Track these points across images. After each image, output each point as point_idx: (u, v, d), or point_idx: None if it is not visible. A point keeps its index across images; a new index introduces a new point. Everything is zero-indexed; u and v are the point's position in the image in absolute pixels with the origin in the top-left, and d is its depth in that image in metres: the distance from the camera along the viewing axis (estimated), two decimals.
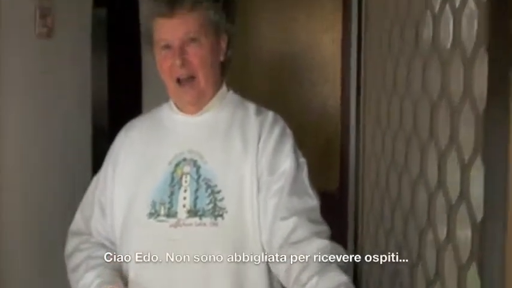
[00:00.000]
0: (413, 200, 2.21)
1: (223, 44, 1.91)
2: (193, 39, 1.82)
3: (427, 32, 2.09)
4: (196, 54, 1.82)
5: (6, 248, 2.10)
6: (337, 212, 3.70)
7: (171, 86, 1.88)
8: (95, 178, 2.08)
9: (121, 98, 5.11)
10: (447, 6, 1.92)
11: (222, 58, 1.92)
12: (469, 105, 1.75)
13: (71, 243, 2.03)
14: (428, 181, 2.07)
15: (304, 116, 4.02)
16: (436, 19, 2.02)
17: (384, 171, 2.71)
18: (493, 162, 1.55)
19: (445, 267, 1.93)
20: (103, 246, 1.98)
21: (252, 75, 4.11)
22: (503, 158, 1.47)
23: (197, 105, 1.91)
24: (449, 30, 1.87)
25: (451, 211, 1.86)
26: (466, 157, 1.76)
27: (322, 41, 4.03)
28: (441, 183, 1.95)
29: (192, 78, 1.84)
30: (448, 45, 1.91)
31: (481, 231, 1.63)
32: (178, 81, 1.85)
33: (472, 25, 1.76)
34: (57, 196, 2.15)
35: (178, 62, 1.81)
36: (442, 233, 1.93)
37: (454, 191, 1.84)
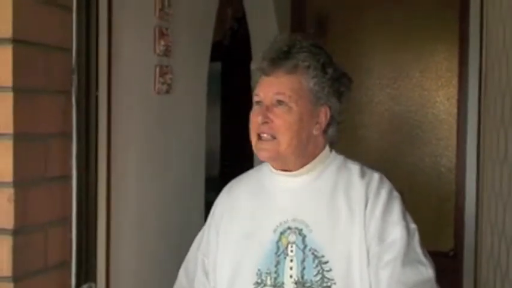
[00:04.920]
0: None
1: (323, 117, 1.84)
2: (281, 102, 1.79)
3: None
4: (281, 117, 1.79)
5: None
6: (451, 272, 3.60)
7: (253, 139, 1.85)
8: (198, 237, 2.07)
9: (232, 149, 5.19)
10: None
11: (316, 132, 1.84)
12: None
13: None
14: None
15: (416, 175, 3.96)
16: None
17: (498, 243, 2.60)
18: None
19: None
20: None
21: (363, 133, 4.08)
22: None
23: (275, 163, 1.87)
24: None
25: None
26: None
27: (437, 98, 3.97)
28: None
29: (272, 138, 1.81)
30: None
31: None
32: (260, 136, 1.82)
33: None
34: (172, 248, 2.18)
35: (260, 118, 1.80)
36: None
37: None
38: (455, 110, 3.89)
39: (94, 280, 1.96)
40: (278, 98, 1.80)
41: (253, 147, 1.87)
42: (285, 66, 1.81)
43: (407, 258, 1.74)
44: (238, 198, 1.97)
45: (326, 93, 1.83)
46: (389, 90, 4.09)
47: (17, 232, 1.67)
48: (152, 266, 2.20)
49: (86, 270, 1.93)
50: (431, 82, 4.00)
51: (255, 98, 1.86)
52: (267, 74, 1.83)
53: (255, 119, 1.83)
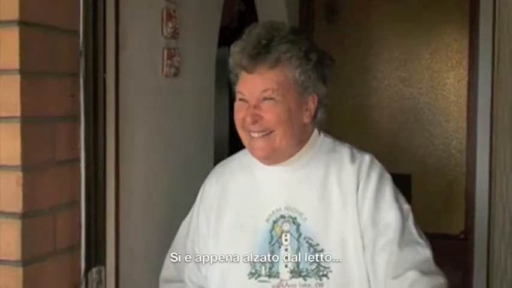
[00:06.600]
0: None
1: (312, 104, 1.81)
2: (269, 98, 1.75)
3: None
4: (271, 111, 1.74)
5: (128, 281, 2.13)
6: (461, 255, 3.59)
7: (243, 135, 1.82)
8: (185, 224, 2.05)
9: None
10: None
11: (306, 119, 1.81)
12: None
13: None
14: None
15: (426, 157, 3.96)
16: None
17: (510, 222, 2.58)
18: None
19: None
20: None
21: (373, 115, 4.06)
22: None
23: (270, 160, 1.82)
24: None
25: None
26: None
27: (447, 80, 3.96)
28: None
29: (270, 132, 1.76)
30: None
31: None
32: (251, 135, 1.78)
33: None
34: None
35: (249, 119, 1.76)
36: None
37: None
38: (465, 92, 3.89)
39: (103, 263, 1.96)
40: (265, 95, 1.75)
41: (246, 145, 1.83)
42: (267, 61, 1.75)
43: (403, 240, 1.71)
44: (227, 187, 1.94)
45: (313, 81, 1.79)
46: (399, 72, 4.07)
47: (25, 216, 1.67)
48: (161, 249, 2.19)
49: (95, 254, 1.92)
50: (441, 64, 3.98)
51: (238, 96, 1.81)
52: (249, 71, 1.77)
53: (241, 115, 1.79)
